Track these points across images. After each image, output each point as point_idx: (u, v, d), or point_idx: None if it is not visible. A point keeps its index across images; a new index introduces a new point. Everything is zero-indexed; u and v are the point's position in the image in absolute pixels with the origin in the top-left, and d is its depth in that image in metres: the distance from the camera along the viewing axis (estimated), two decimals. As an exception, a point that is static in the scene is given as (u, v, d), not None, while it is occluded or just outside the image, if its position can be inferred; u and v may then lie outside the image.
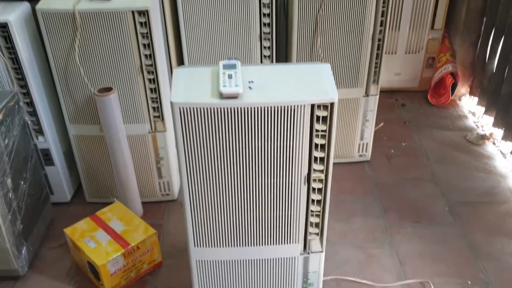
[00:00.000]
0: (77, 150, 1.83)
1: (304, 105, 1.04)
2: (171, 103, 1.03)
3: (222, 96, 1.02)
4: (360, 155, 2.14)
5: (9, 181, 1.51)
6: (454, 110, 2.55)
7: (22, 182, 1.60)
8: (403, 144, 2.29)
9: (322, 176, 1.14)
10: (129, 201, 1.81)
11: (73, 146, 1.82)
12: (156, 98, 1.71)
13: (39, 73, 1.68)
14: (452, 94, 2.52)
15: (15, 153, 1.55)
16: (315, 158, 1.12)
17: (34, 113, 1.71)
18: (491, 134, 2.29)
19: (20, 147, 1.59)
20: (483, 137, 2.29)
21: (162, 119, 1.76)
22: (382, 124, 2.37)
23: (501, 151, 2.22)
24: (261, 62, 1.86)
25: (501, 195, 1.97)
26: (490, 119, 2.32)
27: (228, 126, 1.05)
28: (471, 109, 2.54)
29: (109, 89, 1.61)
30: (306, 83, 1.08)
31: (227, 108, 1.02)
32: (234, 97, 1.03)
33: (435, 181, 2.06)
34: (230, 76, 1.06)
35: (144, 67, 1.64)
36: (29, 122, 1.72)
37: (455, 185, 2.03)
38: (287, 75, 1.10)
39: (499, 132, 2.25)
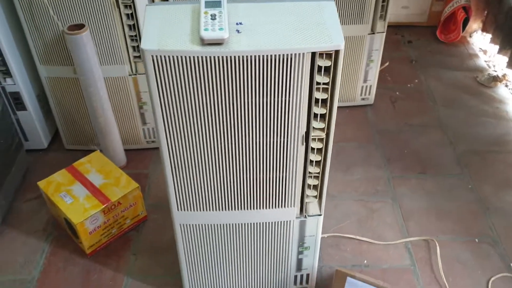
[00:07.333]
0: (51, 94, 1.65)
1: (304, 54, 0.86)
2: (142, 50, 0.85)
3: (203, 42, 0.84)
4: (363, 99, 1.97)
5: (-28, 130, 1.35)
6: (464, 48, 2.35)
7: (-12, 130, 1.45)
8: (409, 85, 2.12)
9: (323, 135, 0.99)
10: (110, 150, 1.67)
11: (46, 89, 1.64)
12: (136, 36, 1.52)
13: (0, 7, 1.47)
14: (463, 30, 2.31)
15: (-22, 99, 1.38)
16: (315, 115, 0.96)
17: (-1, 53, 1.53)
18: (504, 76, 2.12)
19: (-16, 92, 1.42)
20: (495, 79, 2.11)
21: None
22: (387, 63, 2.18)
23: (514, 94, 2.06)
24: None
25: (513, 144, 1.83)
26: (504, 59, 2.14)
27: (211, 77, 0.88)
28: (482, 47, 2.35)
29: (81, 26, 1.42)
30: (305, 25, 0.89)
31: (209, 58, 0.85)
32: (218, 43, 0.85)
33: (442, 127, 1.90)
34: (213, 17, 0.87)
35: (120, 0, 1.43)
36: (-7, 62, 1.54)
37: (463, 132, 1.88)
38: (283, 15, 0.92)
39: (513, 74, 2.08)
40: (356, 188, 1.66)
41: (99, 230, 1.42)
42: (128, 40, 1.52)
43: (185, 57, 0.85)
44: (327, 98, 0.94)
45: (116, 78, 1.60)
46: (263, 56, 0.85)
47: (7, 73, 1.56)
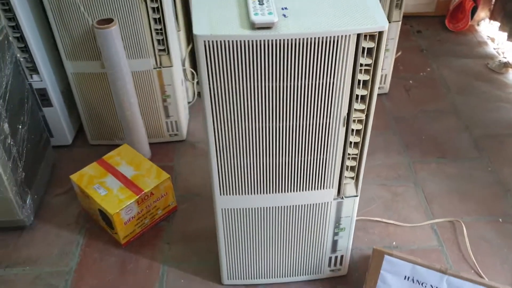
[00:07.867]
0: (77, 89, 1.68)
1: (349, 35, 0.89)
2: (194, 36, 0.88)
3: (253, 26, 0.87)
4: (379, 87, 1.99)
5: (6, 126, 1.37)
6: (472, 36, 2.40)
7: (20, 126, 1.47)
8: (422, 74, 2.15)
9: (363, 116, 1.02)
10: (135, 143, 1.69)
11: (72, 84, 1.66)
12: (161, 29, 1.54)
13: (27, 3, 1.50)
14: (471, 18, 2.35)
15: (10, 95, 1.40)
16: (356, 97, 0.99)
17: (26, 49, 1.54)
18: (514, 62, 2.16)
19: (15, 88, 1.44)
20: (506, 65, 2.15)
21: (168, 53, 1.60)
22: (400, 53, 2.22)
23: (525, 80, 2.11)
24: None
25: (528, 127, 1.87)
26: (513, 45, 2.18)
27: (260, 60, 0.91)
28: (490, 35, 2.39)
29: (109, 21, 1.44)
30: (348, 8, 0.92)
31: (261, 41, 0.88)
32: (268, 27, 0.88)
33: (456, 113, 1.94)
34: (261, 2, 0.91)
35: (147, -6, 1.46)
36: (21, 59, 1.56)
37: (478, 117, 1.92)
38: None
39: (523, 59, 2.13)
40: (379, 173, 1.69)
41: (133, 221, 1.45)
42: (154, 33, 1.55)
43: (236, 41, 0.88)
44: (369, 79, 0.97)
45: (141, 71, 1.63)
46: (311, 38, 0.88)
47: (34, 69, 1.59)
